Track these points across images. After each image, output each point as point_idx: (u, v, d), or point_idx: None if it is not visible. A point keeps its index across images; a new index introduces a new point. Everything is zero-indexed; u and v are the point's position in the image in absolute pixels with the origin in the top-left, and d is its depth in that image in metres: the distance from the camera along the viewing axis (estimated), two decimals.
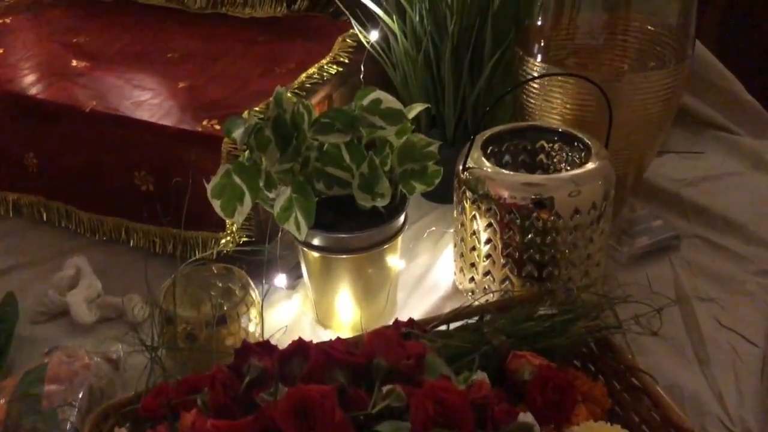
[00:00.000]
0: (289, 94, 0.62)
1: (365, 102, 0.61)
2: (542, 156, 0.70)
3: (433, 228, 0.78)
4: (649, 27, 0.70)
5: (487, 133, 0.67)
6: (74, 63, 0.84)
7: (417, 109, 0.65)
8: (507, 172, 0.63)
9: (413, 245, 0.77)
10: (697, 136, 0.89)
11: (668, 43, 0.69)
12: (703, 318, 0.66)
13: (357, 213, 0.62)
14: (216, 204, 0.61)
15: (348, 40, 0.83)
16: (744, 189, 0.81)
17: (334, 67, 0.80)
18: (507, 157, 0.70)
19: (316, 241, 0.62)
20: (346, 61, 0.80)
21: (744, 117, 0.88)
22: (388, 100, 0.61)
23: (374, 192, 0.60)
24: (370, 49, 0.74)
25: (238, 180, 0.60)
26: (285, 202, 0.59)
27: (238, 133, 0.62)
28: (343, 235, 0.61)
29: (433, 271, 0.74)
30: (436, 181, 0.63)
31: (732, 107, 0.89)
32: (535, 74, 0.70)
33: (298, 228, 0.60)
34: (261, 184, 0.61)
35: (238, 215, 0.61)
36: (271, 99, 0.61)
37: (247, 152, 0.62)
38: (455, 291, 0.71)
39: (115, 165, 0.75)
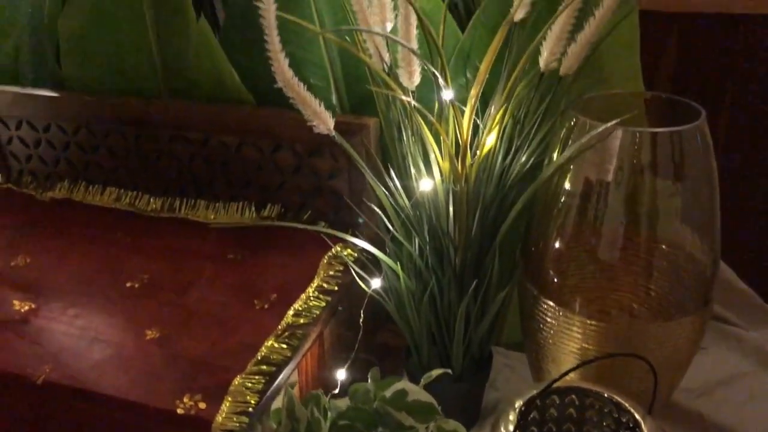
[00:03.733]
0: (293, 391, 0.54)
1: (388, 394, 0.53)
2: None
3: None
4: (674, 262, 0.65)
5: (517, 401, 0.60)
6: (16, 305, 0.73)
7: (436, 374, 0.58)
8: None
9: None
10: None
11: (693, 286, 0.65)
12: None
13: None
14: None
15: (333, 263, 0.75)
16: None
17: (322, 298, 0.72)
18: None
19: None
20: (335, 288, 0.73)
21: (741, 307, 0.86)
22: (415, 391, 0.53)
23: None
24: (374, 294, 0.66)
25: None
26: None
27: None
28: None
29: None
30: None
31: (726, 296, 0.86)
32: (549, 318, 0.64)
33: None
34: None
35: None
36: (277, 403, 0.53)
37: None
38: None
39: None
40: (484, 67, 0.55)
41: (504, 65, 0.68)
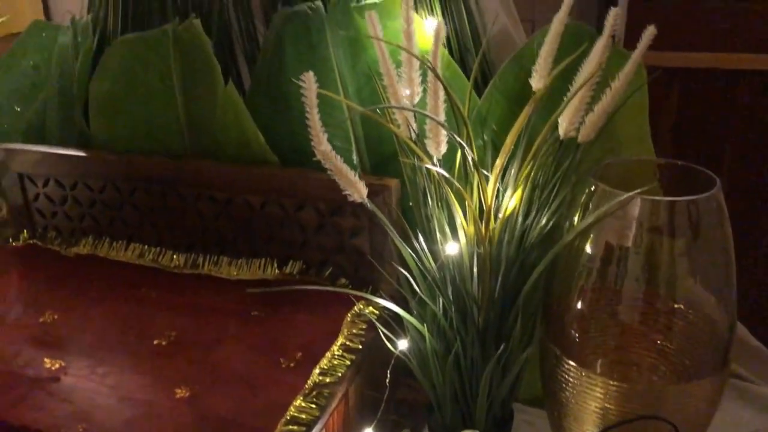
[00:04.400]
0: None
1: None
2: None
3: None
4: (693, 324, 0.68)
5: None
6: (47, 363, 0.74)
7: None
8: None
9: None
10: None
11: (711, 347, 0.67)
12: None
13: None
14: None
15: (357, 321, 0.77)
16: None
17: (347, 356, 0.73)
18: None
19: None
20: (359, 347, 0.74)
21: (754, 363, 0.87)
22: None
23: None
24: (400, 355, 0.68)
25: None
26: None
27: None
28: None
29: None
30: None
31: (740, 353, 0.88)
32: (571, 378, 0.66)
33: None
34: None
35: None
36: None
37: None
38: None
39: None
40: (510, 139, 0.58)
41: (523, 133, 0.71)
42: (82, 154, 0.90)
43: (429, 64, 0.57)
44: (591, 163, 0.70)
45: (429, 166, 0.60)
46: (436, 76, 0.57)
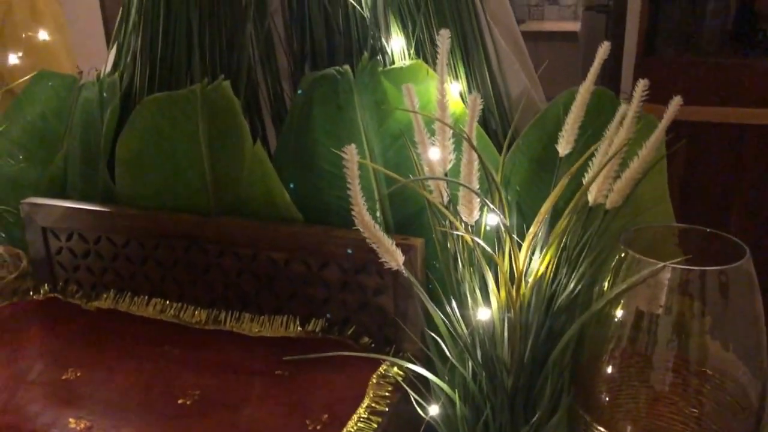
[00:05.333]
0: None
1: None
2: None
3: None
4: (724, 391, 0.68)
5: None
6: (72, 422, 0.74)
7: None
8: None
9: None
10: None
11: (742, 415, 0.67)
12: None
13: None
14: None
15: (382, 382, 0.77)
16: None
17: (373, 419, 0.73)
18: None
19: None
20: (386, 409, 0.74)
21: None
22: None
23: None
24: (431, 421, 0.68)
25: None
26: None
27: None
28: None
29: None
30: None
31: None
32: None
33: None
34: None
35: None
36: None
37: None
38: None
39: None
40: (545, 208, 0.59)
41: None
42: (107, 209, 0.91)
43: (465, 136, 0.58)
44: (615, 227, 0.71)
45: (464, 233, 0.60)
46: (472, 147, 0.58)
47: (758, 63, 1.79)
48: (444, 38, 0.62)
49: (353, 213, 0.56)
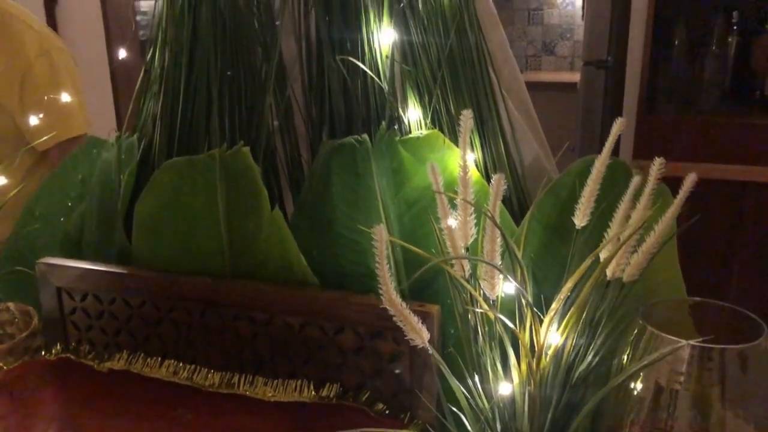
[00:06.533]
0: None
1: None
2: None
3: None
4: None
5: None
6: None
7: None
8: None
9: None
10: None
11: None
12: None
13: None
14: None
15: None
16: None
17: None
18: None
19: None
20: None
21: None
22: None
23: None
24: None
25: None
26: None
27: None
28: None
29: None
30: None
31: None
32: None
33: None
34: None
35: None
36: None
37: None
38: None
39: None
40: (567, 287, 0.60)
41: (567, 269, 0.73)
42: (123, 270, 0.92)
43: (489, 215, 0.60)
44: (630, 295, 0.72)
45: (487, 310, 0.61)
46: (496, 225, 0.59)
47: (757, 121, 1.83)
48: (466, 118, 0.64)
49: (381, 292, 0.57)
